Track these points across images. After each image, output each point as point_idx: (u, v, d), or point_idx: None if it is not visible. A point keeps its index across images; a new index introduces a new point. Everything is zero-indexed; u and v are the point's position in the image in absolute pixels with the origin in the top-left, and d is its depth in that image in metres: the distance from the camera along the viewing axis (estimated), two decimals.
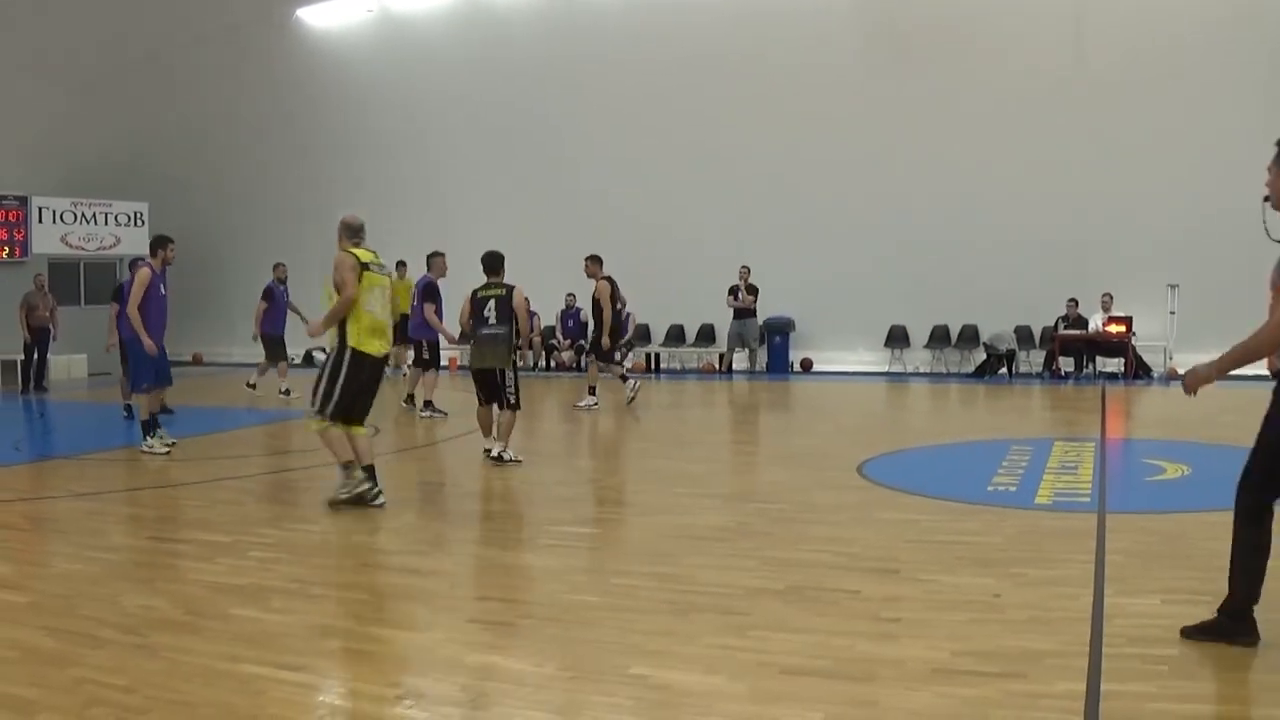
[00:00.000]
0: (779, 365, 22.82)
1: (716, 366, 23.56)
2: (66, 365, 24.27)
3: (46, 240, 24.86)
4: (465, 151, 25.14)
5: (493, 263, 12.16)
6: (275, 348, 18.90)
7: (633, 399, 16.97)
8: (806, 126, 21.80)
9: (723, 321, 23.30)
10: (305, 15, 25.91)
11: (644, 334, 24.35)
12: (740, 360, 23.69)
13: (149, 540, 8.55)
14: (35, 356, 21.36)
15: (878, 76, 21.42)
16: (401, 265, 19.47)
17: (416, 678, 5.34)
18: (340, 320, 9.12)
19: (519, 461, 11.48)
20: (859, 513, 8.83)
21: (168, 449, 12.59)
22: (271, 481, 11.28)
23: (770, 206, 22.37)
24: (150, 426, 12.73)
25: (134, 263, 14.31)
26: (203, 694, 5.08)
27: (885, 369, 22.65)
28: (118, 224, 26.58)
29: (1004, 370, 21.42)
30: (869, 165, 21.35)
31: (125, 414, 15.45)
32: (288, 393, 18.29)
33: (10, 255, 24.11)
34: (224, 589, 6.95)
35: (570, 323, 24.39)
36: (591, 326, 17.57)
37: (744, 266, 22.25)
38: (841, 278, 22.13)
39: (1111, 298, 20.73)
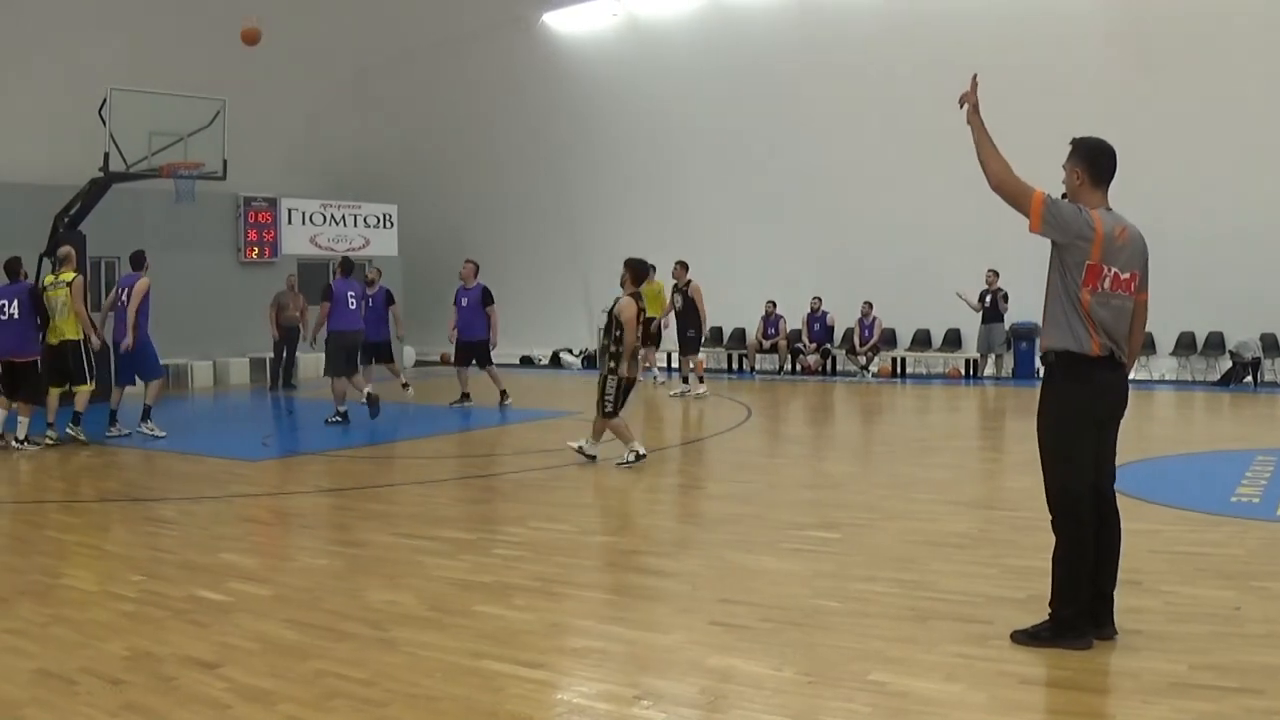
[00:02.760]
0: (1025, 371, 22.25)
1: (962, 371, 23.05)
2: (315, 363, 25.36)
3: (296, 241, 26.05)
4: (707, 155, 25.17)
5: (638, 271, 12.31)
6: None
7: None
8: (1047, 127, 21.00)
9: (969, 326, 22.75)
10: (551, 20, 26.40)
11: (889, 338, 23.97)
12: (990, 366, 23.22)
13: (394, 536, 8.81)
14: (285, 355, 22.40)
15: (1121, 76, 20.46)
16: (650, 268, 19.43)
17: (655, 678, 5.39)
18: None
19: (591, 458, 11.93)
20: None
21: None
22: (517, 480, 11.51)
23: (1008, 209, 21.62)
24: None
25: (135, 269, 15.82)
26: (443, 689, 5.22)
27: (1131, 377, 21.73)
28: (367, 226, 27.66)
29: (1249, 378, 20.44)
30: (1127, 160, 20.47)
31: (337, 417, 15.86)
32: (406, 386, 18.98)
33: (260, 256, 25.35)
34: (467, 585, 7.16)
35: (816, 326, 24.22)
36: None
37: (991, 271, 21.71)
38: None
39: None
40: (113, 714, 4.96)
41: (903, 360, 23.99)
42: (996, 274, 21.81)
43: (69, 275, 14.45)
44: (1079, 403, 5.69)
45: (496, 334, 17.83)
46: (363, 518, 9.59)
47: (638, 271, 12.14)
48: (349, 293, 16.06)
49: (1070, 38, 20.56)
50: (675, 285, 19.53)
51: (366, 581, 7.27)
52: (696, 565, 7.65)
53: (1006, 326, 22.28)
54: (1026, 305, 21.83)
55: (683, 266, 19.66)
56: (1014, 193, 5.57)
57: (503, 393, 17.72)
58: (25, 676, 5.44)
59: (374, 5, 24.54)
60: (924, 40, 21.63)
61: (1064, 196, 5.67)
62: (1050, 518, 5.80)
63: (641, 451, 11.73)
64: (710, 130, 24.84)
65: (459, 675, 5.38)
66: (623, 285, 12.09)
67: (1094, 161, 5.73)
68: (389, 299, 18.39)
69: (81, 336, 14.19)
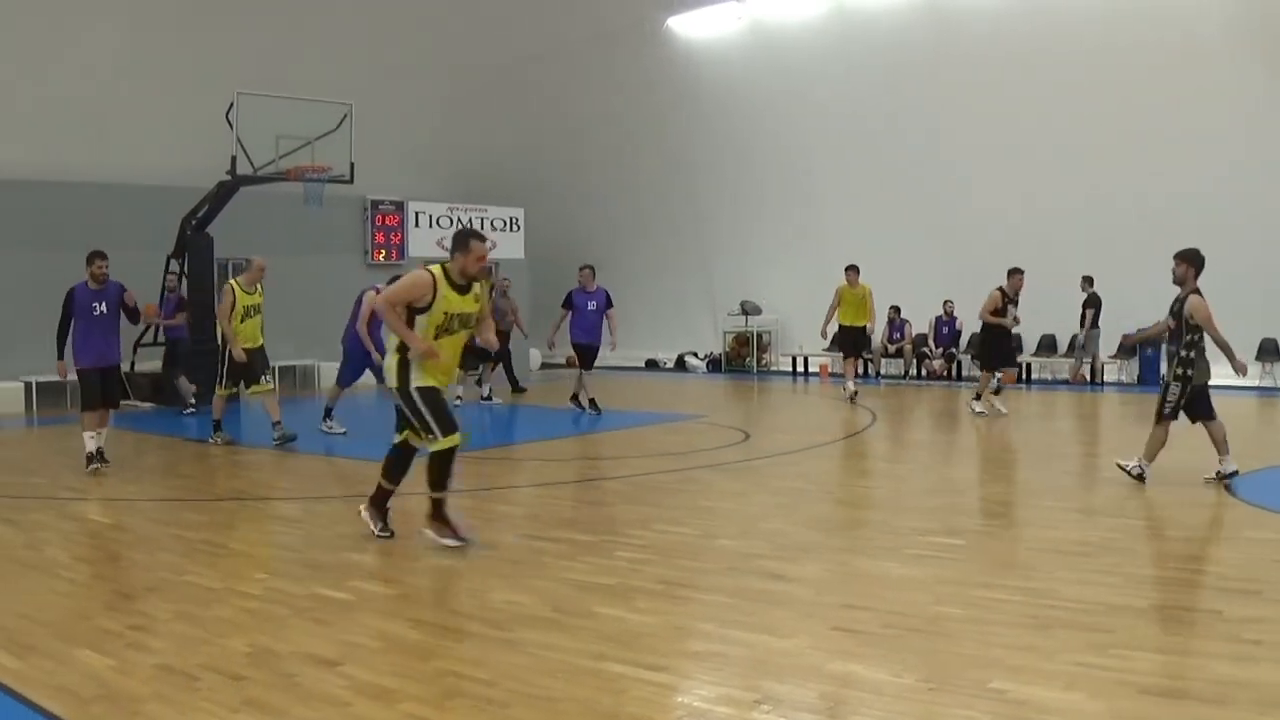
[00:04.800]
0: (1150, 377, 21.75)
1: (1088, 378, 22.59)
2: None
3: (423, 244, 26.34)
4: (832, 158, 24.96)
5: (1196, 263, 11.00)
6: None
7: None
8: (1166, 136, 20.46)
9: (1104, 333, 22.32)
10: (675, 24, 26.37)
11: (1016, 344, 23.54)
12: (1111, 372, 22.71)
13: (518, 538, 8.83)
14: (502, 359, 22.34)
15: (1246, 74, 19.80)
16: (853, 271, 19.43)
17: (775, 683, 5.35)
18: None
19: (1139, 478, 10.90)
20: (1224, 530, 8.73)
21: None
22: (640, 483, 11.45)
23: (1136, 214, 21.09)
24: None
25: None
26: (564, 689, 5.19)
27: (1255, 383, 21.11)
28: (493, 229, 27.88)
29: None
30: (1238, 171, 19.84)
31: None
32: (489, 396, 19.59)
33: (387, 258, 25.69)
34: (590, 588, 7.13)
35: (945, 330, 23.88)
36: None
37: (1085, 277, 21.34)
38: (1213, 289, 20.79)
39: None
40: (233, 710, 5.00)
41: (1028, 366, 23.55)
42: (1090, 280, 21.44)
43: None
44: None
45: (616, 337, 17.85)
46: (487, 519, 9.61)
47: (1197, 263, 10.82)
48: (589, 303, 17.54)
49: (1194, 37, 19.99)
50: (1008, 296, 16.99)
51: (490, 582, 7.26)
52: (819, 570, 7.57)
53: (1100, 333, 21.89)
54: (1140, 310, 21.41)
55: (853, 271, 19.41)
56: None
57: (592, 400, 17.88)
58: (147, 672, 5.50)
59: (500, 10, 24.77)
60: (1050, 44, 21.24)
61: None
62: None
63: (1142, 469, 10.82)
64: (834, 133, 24.65)
65: (580, 676, 5.36)
66: (1182, 283, 10.87)
67: None
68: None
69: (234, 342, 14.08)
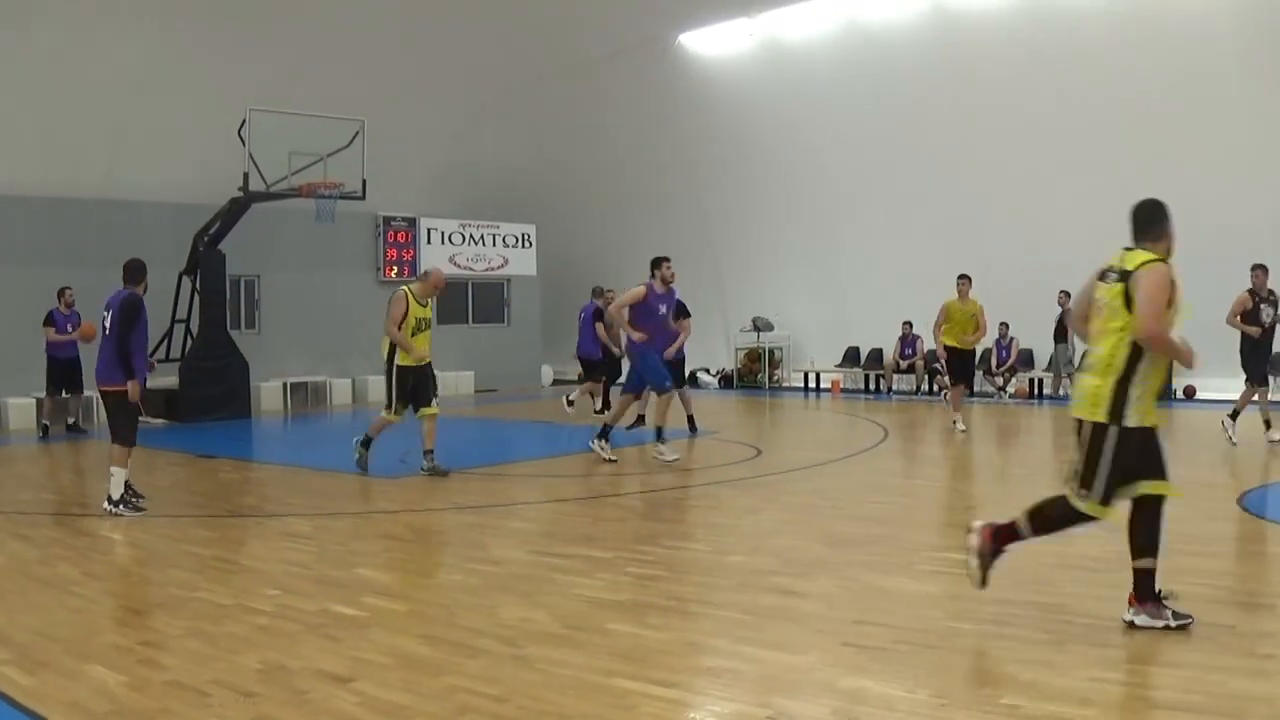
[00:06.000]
0: (1163, 392, 21.62)
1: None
2: (454, 381, 25.69)
3: (435, 260, 26.19)
4: (845, 176, 24.88)
5: None
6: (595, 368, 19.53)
7: None
8: (1183, 151, 20.43)
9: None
10: (687, 41, 26.38)
11: (1027, 359, 23.46)
12: (1059, 386, 22.85)
13: (530, 554, 8.84)
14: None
15: (1258, 88, 19.77)
16: (965, 280, 17.49)
17: (787, 699, 5.34)
18: None
19: None
20: (1238, 545, 8.73)
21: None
22: (652, 500, 11.47)
23: None
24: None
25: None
26: (575, 706, 5.19)
27: (1269, 398, 21.03)
28: (505, 245, 27.98)
29: None
30: (1249, 184, 19.83)
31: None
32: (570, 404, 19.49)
33: (400, 275, 25.71)
34: (602, 604, 7.14)
35: (1004, 353, 23.89)
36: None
37: (1062, 292, 21.28)
38: (1225, 301, 20.75)
39: None
40: None
41: (1040, 381, 23.50)
42: (1067, 295, 21.35)
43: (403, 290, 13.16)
44: None
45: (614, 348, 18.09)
46: (500, 535, 9.63)
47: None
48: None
49: (1204, 44, 19.96)
50: (1259, 296, 15.13)
51: (502, 599, 7.26)
52: (831, 586, 7.55)
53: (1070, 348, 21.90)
54: None
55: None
56: None
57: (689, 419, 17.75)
58: (158, 688, 5.51)
59: (512, 27, 24.80)
60: (1064, 60, 21.21)
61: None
62: None
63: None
64: (846, 149, 24.61)
65: (591, 693, 5.36)
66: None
67: None
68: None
69: (401, 357, 12.72)
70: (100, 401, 11.53)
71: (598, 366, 19.58)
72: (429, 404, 12.89)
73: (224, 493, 12.49)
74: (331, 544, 9.27)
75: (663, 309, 14.32)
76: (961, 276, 17.28)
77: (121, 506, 10.54)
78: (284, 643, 6.29)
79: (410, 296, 12.74)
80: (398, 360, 12.72)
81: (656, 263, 14.36)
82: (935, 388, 24.10)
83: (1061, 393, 22.33)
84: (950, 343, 17.14)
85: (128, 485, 10.76)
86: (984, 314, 17.33)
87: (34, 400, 19.26)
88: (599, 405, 19.47)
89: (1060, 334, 21.88)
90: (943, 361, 17.94)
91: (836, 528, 9.74)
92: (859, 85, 23.93)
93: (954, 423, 16.87)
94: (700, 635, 6.48)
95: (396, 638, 6.40)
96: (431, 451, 12.88)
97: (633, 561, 8.35)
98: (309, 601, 7.22)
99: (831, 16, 23.74)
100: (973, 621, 6.57)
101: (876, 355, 25.49)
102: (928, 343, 24.15)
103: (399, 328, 12.58)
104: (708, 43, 26.03)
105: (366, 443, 13.17)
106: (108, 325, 10.84)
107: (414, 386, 12.80)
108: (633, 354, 14.21)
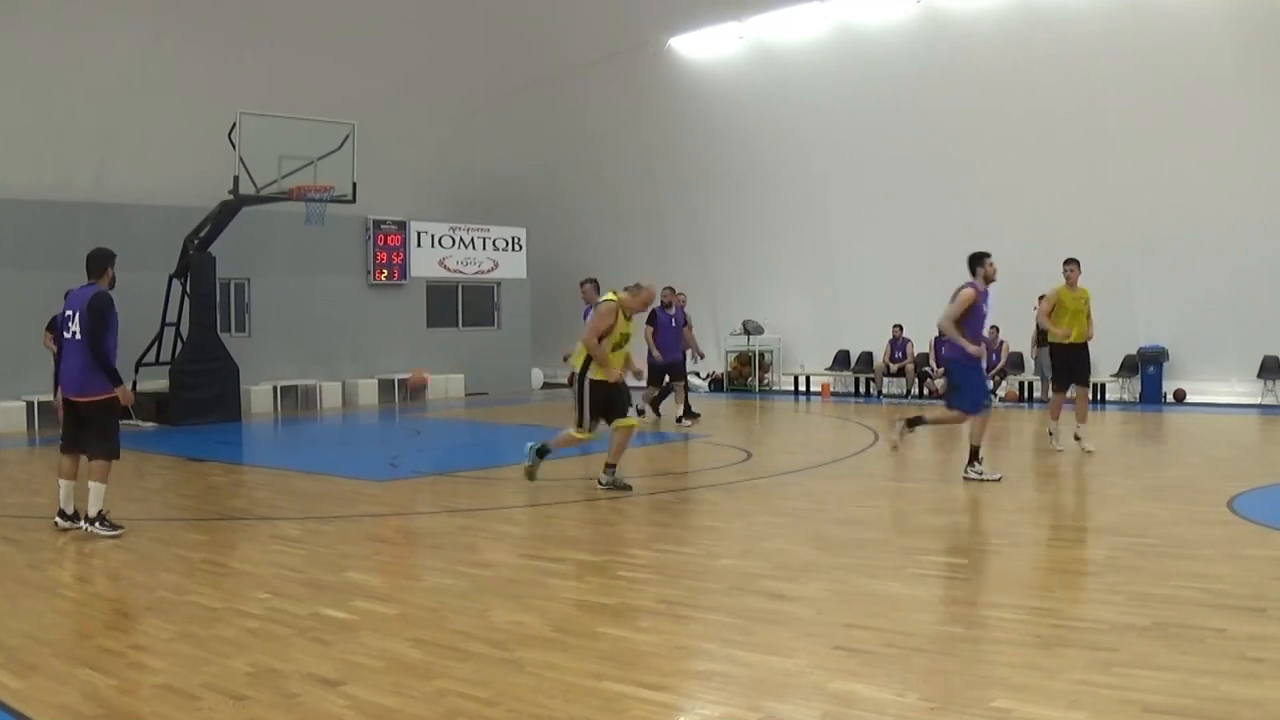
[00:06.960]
0: (1152, 396, 21.77)
1: (1090, 397, 22.57)
2: (444, 384, 25.70)
3: (425, 264, 26.45)
4: (835, 179, 24.95)
5: None
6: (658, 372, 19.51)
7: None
8: (1175, 156, 20.49)
9: (1103, 349, 22.26)
10: (677, 45, 26.39)
11: (1016, 362, 23.47)
12: (1113, 390, 22.83)
13: (521, 557, 8.85)
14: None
15: (1256, 83, 19.80)
16: (1073, 265, 15.16)
17: (777, 702, 5.34)
18: None
19: None
20: (1228, 548, 8.65)
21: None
22: (643, 503, 11.47)
23: (1146, 228, 21.12)
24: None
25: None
26: (565, 710, 5.19)
27: (1257, 401, 21.06)
28: (495, 248, 27.98)
29: None
30: (1244, 192, 19.89)
31: None
32: (642, 412, 18.79)
33: (390, 278, 25.76)
34: (592, 607, 7.17)
35: (944, 350, 23.84)
36: None
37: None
38: (1215, 305, 20.76)
39: None
40: None
41: (1030, 385, 23.53)
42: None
43: (611, 297, 12.04)
44: None
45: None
46: (490, 538, 9.62)
47: None
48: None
49: (1199, 45, 20.00)
50: None
51: (492, 602, 7.26)
52: (821, 590, 7.55)
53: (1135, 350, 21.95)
54: (1152, 327, 21.44)
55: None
56: None
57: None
58: (148, 691, 5.51)
59: (503, 31, 24.82)
60: (1057, 65, 21.25)
61: None
62: None
63: None
64: (836, 152, 24.67)
65: (581, 696, 5.36)
66: None
67: None
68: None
69: (595, 371, 11.76)
70: (66, 417, 10.07)
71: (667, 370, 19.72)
72: (624, 414, 11.90)
73: (214, 496, 12.48)
74: (322, 547, 9.27)
75: (984, 309, 12.87)
76: (1069, 261, 14.94)
77: (98, 525, 9.71)
78: (274, 646, 6.28)
79: (622, 311, 11.69)
80: (591, 374, 11.73)
81: (979, 259, 12.87)
82: (925, 391, 24.10)
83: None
84: (1057, 337, 14.86)
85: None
86: (1090, 303, 15.01)
87: (23, 404, 19.24)
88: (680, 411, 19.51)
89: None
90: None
91: (827, 531, 9.76)
92: (849, 88, 23.97)
93: (1050, 433, 15.27)
94: (690, 639, 6.48)
95: (387, 641, 6.40)
96: (614, 465, 11.88)
97: (623, 565, 8.37)
98: (299, 605, 7.22)
99: (821, 20, 23.79)
100: (962, 625, 6.61)
101: (866, 358, 25.52)
102: (918, 345, 24.24)
103: (599, 341, 11.59)
104: (697, 46, 26.07)
105: (543, 451, 12.23)
106: (73, 328, 9.78)
107: (608, 401, 11.82)
108: (958, 368, 12.87)
